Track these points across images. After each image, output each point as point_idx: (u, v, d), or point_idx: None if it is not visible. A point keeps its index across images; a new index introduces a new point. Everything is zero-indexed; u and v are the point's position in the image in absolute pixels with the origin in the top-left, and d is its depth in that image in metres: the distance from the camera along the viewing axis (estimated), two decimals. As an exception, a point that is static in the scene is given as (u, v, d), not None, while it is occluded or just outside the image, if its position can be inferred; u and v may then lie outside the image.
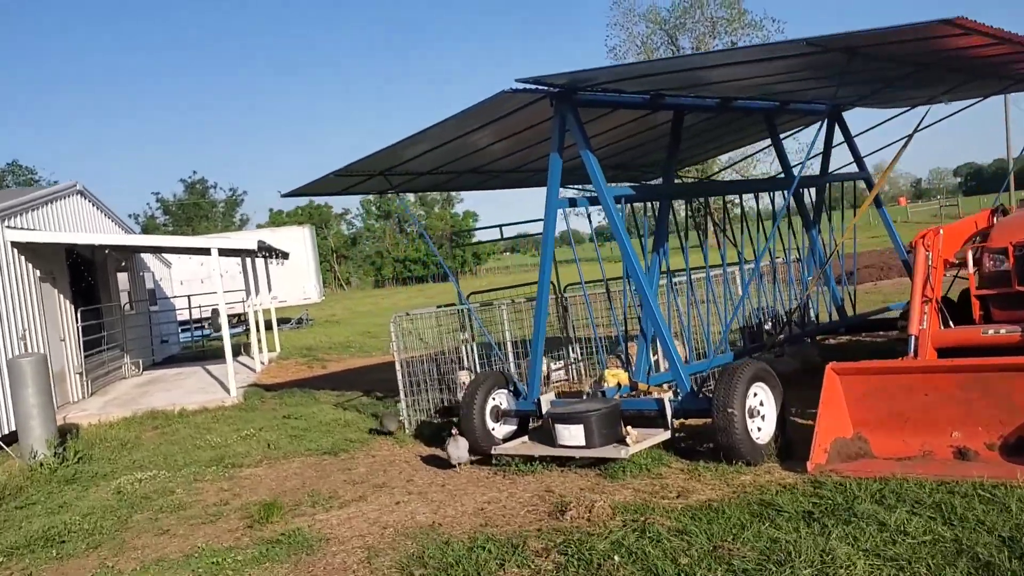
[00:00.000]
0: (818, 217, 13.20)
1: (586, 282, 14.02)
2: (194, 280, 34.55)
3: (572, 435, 8.85)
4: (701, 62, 8.23)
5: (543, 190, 9.84)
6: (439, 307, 13.86)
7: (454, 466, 9.75)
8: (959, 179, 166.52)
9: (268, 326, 27.13)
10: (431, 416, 12.47)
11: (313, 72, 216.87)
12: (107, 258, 22.31)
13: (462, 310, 13.61)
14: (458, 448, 9.57)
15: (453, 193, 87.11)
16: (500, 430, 10.37)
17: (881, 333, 14.73)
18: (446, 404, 12.08)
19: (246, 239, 19.72)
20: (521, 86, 8.76)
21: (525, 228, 14.52)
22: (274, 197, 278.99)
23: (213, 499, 10.12)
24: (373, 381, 19.10)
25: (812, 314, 13.09)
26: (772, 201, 12.87)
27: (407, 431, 12.52)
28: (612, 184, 10.39)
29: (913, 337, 8.51)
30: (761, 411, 8.53)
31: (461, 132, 10.09)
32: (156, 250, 25.91)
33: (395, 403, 13.04)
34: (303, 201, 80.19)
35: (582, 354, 15.83)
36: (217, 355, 27.91)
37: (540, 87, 9.03)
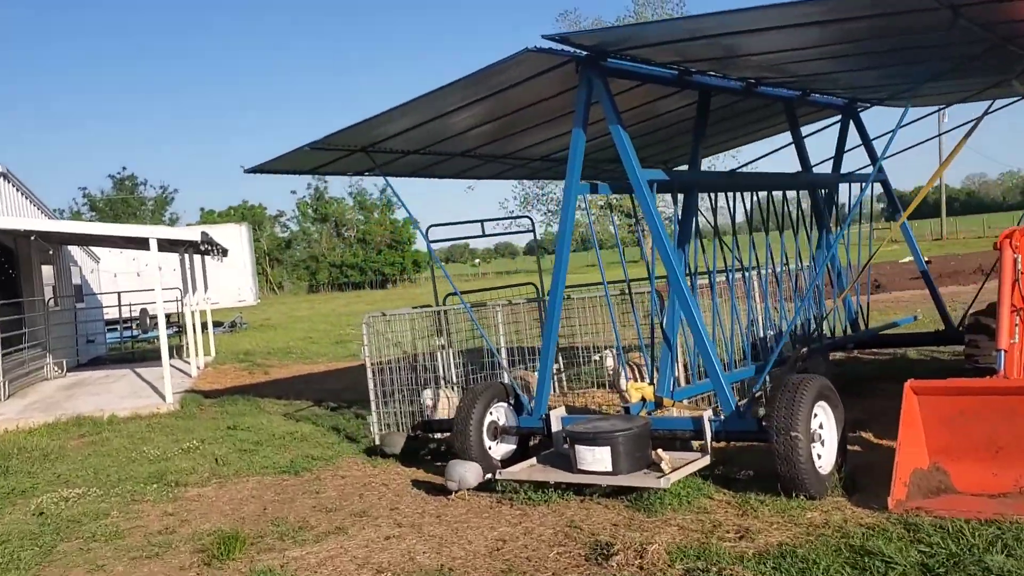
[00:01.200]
0: (829, 220, 12.04)
1: (581, 285, 12.67)
2: (126, 274, 32.37)
3: (597, 459, 7.47)
4: (750, 22, 6.95)
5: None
6: (415, 308, 12.37)
7: (449, 492, 8.28)
8: (881, 205, 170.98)
9: (203, 328, 25.24)
10: (408, 431, 10.96)
11: (252, 65, 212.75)
12: (31, 248, 20.28)
13: (440, 312, 12.14)
14: (467, 471, 8.11)
15: (394, 199, 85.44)
16: (497, 449, 8.94)
17: (890, 350, 13.67)
18: (427, 418, 10.60)
19: (188, 231, 17.94)
20: (548, 45, 7.39)
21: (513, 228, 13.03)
22: (206, 195, 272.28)
23: (156, 525, 8.49)
24: (323, 390, 17.55)
25: (824, 327, 11.92)
26: (798, 201, 11.67)
27: (374, 440, 11.01)
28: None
29: (1002, 352, 7.32)
30: (822, 435, 7.26)
31: (462, 103, 8.68)
32: (87, 240, 23.85)
33: (368, 417, 11.50)
34: (236, 200, 77.81)
35: (565, 366, 14.50)
36: (147, 357, 25.91)
37: (566, 48, 7.67)
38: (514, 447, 9.06)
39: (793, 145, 11.36)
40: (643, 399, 8.35)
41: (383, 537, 7.39)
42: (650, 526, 6.84)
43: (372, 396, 11.18)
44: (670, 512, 7.09)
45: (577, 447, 7.59)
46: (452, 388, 12.09)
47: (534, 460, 8.33)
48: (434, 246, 12.00)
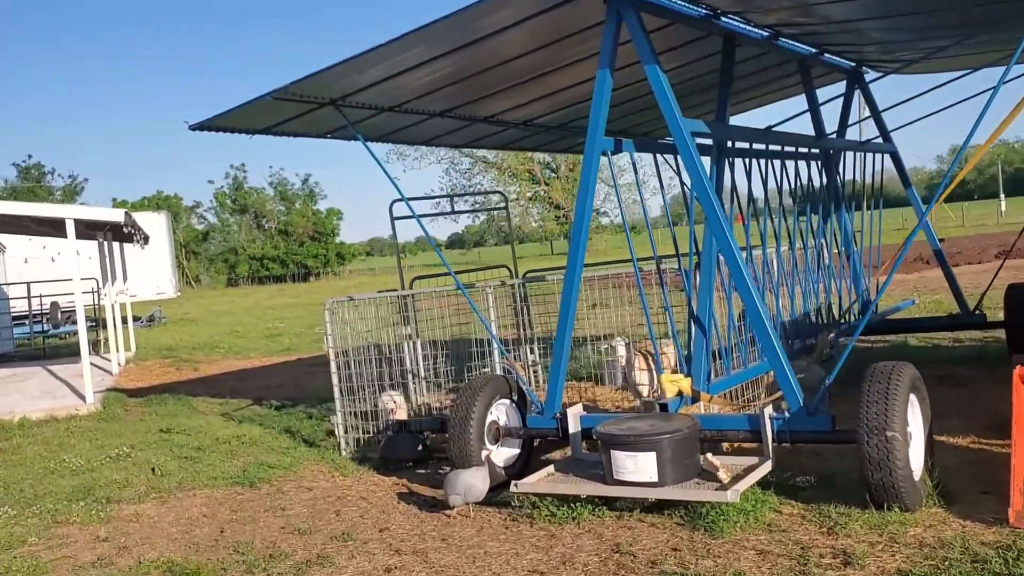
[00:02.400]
0: (842, 194, 10.93)
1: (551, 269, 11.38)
2: (37, 259, 29.95)
3: (639, 467, 6.16)
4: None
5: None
6: (381, 292, 10.87)
7: (449, 508, 6.89)
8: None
9: (122, 321, 23.22)
10: (377, 434, 9.51)
11: (163, 52, 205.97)
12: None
13: (406, 298, 10.68)
14: (474, 482, 6.73)
15: (317, 188, 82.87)
16: (498, 455, 7.56)
17: (890, 337, 12.67)
18: (408, 419, 9.17)
19: (110, 212, 16.09)
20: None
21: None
22: (118, 186, 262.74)
23: (88, 555, 6.91)
24: (261, 387, 15.95)
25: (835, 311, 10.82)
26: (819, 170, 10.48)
27: (345, 452, 9.54)
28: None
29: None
30: (912, 434, 6.06)
31: (440, 51, 7.30)
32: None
33: (332, 418, 9.99)
34: (150, 190, 74.28)
35: (541, 355, 13.17)
36: (60, 354, 23.72)
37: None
38: (517, 451, 7.70)
39: (809, 112, 10.21)
40: (680, 393, 7.06)
41: (382, 569, 5.96)
42: (720, 550, 5.55)
43: (337, 393, 9.70)
44: (738, 531, 5.81)
45: (614, 453, 6.26)
46: (417, 385, 10.72)
47: (551, 468, 6.98)
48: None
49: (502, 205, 12.57)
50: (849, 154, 10.94)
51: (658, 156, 8.25)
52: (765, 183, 8.88)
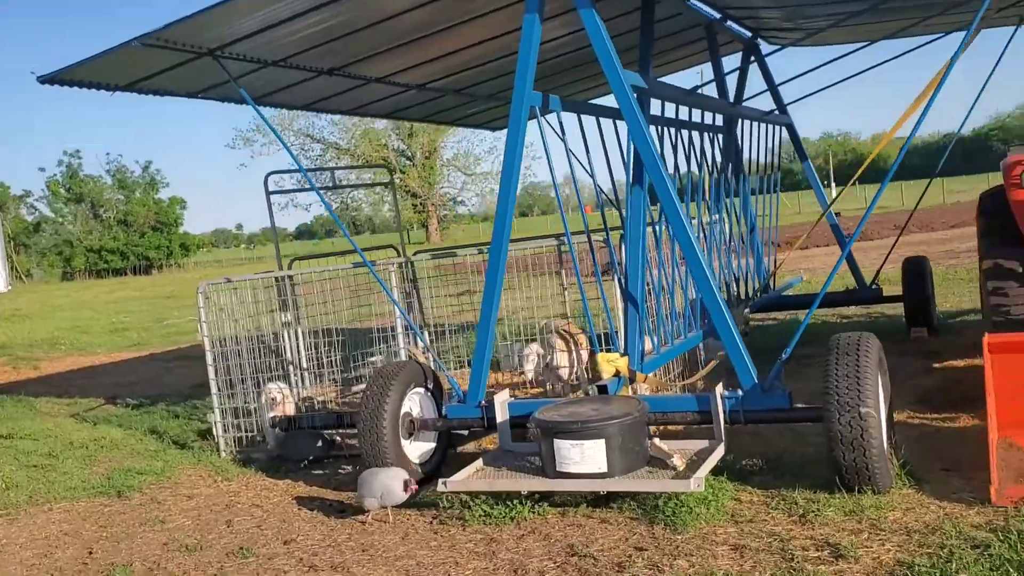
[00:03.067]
0: (738, 166, 10.56)
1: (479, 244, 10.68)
2: None
3: (587, 456, 5.47)
4: None
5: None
6: (259, 274, 9.79)
7: (361, 511, 6.03)
8: None
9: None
10: (259, 433, 8.51)
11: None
12: None
13: (282, 280, 9.67)
14: (392, 483, 5.89)
15: (158, 176, 78.72)
16: (412, 449, 6.74)
17: (781, 314, 12.49)
18: (299, 413, 8.22)
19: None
20: None
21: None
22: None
23: (-79, 592, 5.72)
24: (113, 385, 14.52)
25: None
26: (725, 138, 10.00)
27: (224, 453, 8.49)
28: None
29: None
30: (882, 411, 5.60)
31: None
32: None
33: (208, 416, 8.88)
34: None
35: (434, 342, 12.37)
36: None
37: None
38: (433, 445, 6.90)
39: (715, 81, 9.77)
40: (617, 374, 6.41)
41: (298, 589, 5.07)
42: (689, 547, 4.93)
43: (214, 388, 8.63)
44: (703, 524, 5.21)
45: (558, 443, 5.55)
46: (299, 377, 9.74)
47: (479, 463, 6.20)
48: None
49: (385, 180, 11.54)
50: (748, 126, 10.59)
51: (582, 118, 7.56)
52: (688, 153, 8.35)
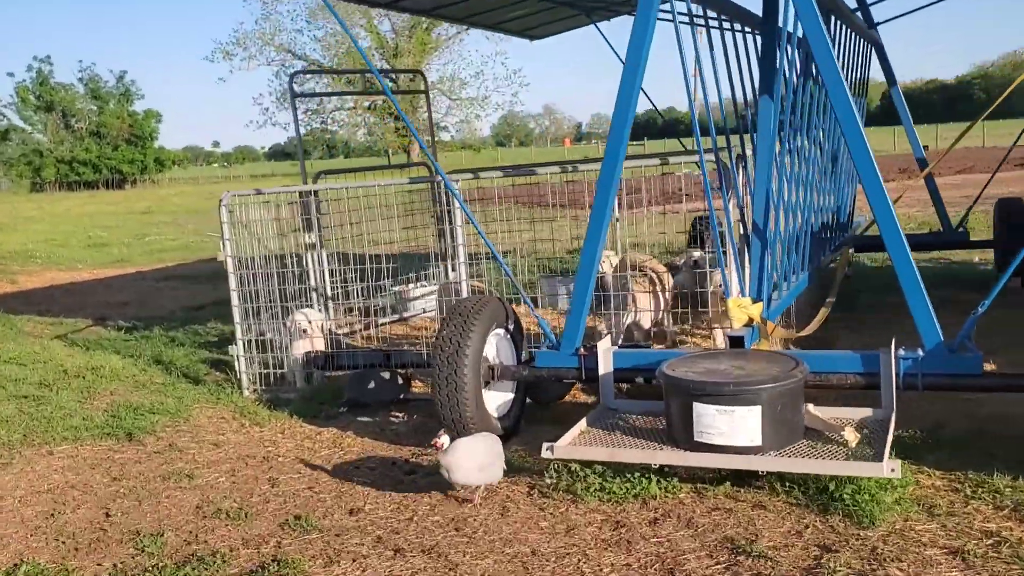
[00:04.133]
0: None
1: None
2: None
3: (737, 426, 4.41)
4: None
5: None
6: (290, 187, 8.54)
7: (435, 474, 4.95)
8: None
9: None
10: (282, 368, 7.40)
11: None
12: None
13: (307, 196, 8.45)
14: (496, 458, 4.81)
15: (133, 88, 75.88)
16: (489, 400, 5.64)
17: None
18: (329, 350, 7.12)
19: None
20: None
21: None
22: None
23: (-101, 560, 4.59)
24: (100, 304, 13.37)
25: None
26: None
27: (247, 392, 7.38)
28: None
29: None
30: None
31: None
32: None
33: (230, 348, 7.71)
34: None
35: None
36: None
37: None
38: (511, 396, 5.81)
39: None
40: (750, 323, 5.32)
41: (390, 583, 4.00)
42: (891, 549, 3.89)
43: (237, 317, 7.47)
44: (895, 517, 4.17)
45: (699, 407, 4.47)
46: (322, 306, 8.60)
47: (583, 424, 5.12)
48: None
49: (421, 89, 10.26)
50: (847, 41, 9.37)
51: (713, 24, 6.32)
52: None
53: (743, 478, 4.65)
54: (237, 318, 7.44)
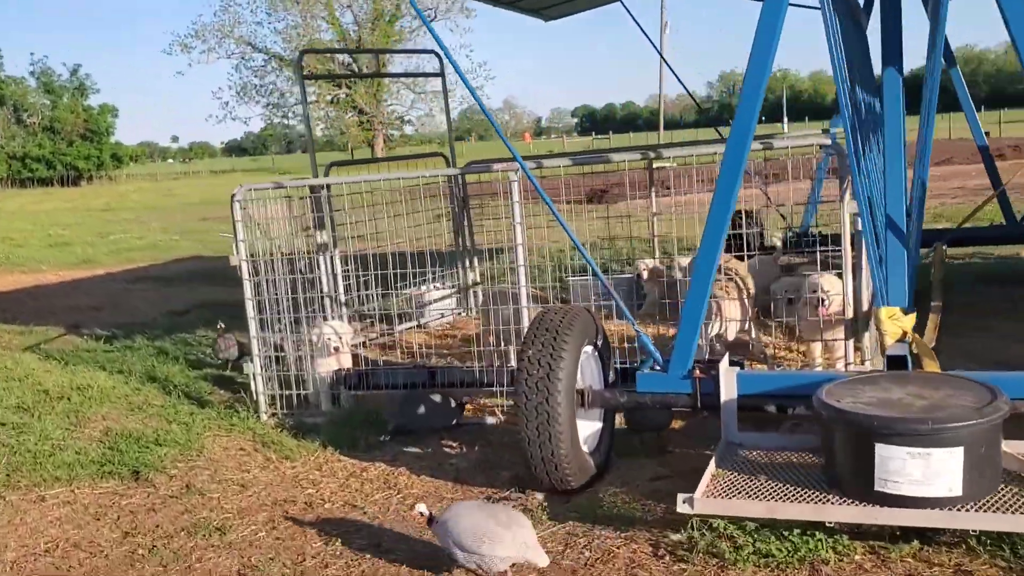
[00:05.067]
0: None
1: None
2: None
3: (933, 472, 3.54)
4: None
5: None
6: (305, 180, 7.50)
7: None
8: (575, 120, 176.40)
9: None
10: (302, 388, 6.41)
11: None
12: None
13: (318, 191, 7.45)
14: (528, 539, 3.83)
15: (88, 82, 73.62)
16: (580, 431, 4.71)
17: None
18: (361, 367, 6.14)
19: None
20: None
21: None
22: None
23: None
24: (70, 309, 12.31)
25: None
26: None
27: (265, 416, 6.38)
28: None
29: None
30: None
31: None
32: None
33: (245, 365, 6.69)
34: None
35: (488, 274, 10.28)
36: None
37: None
38: (599, 426, 4.90)
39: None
40: (903, 337, 4.45)
41: None
42: None
43: (255, 330, 6.45)
44: None
45: (884, 449, 3.58)
46: (337, 316, 7.63)
47: (712, 467, 4.21)
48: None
49: (437, 72, 9.27)
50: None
51: None
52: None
53: (926, 534, 3.76)
54: (253, 331, 6.42)
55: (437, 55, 9.38)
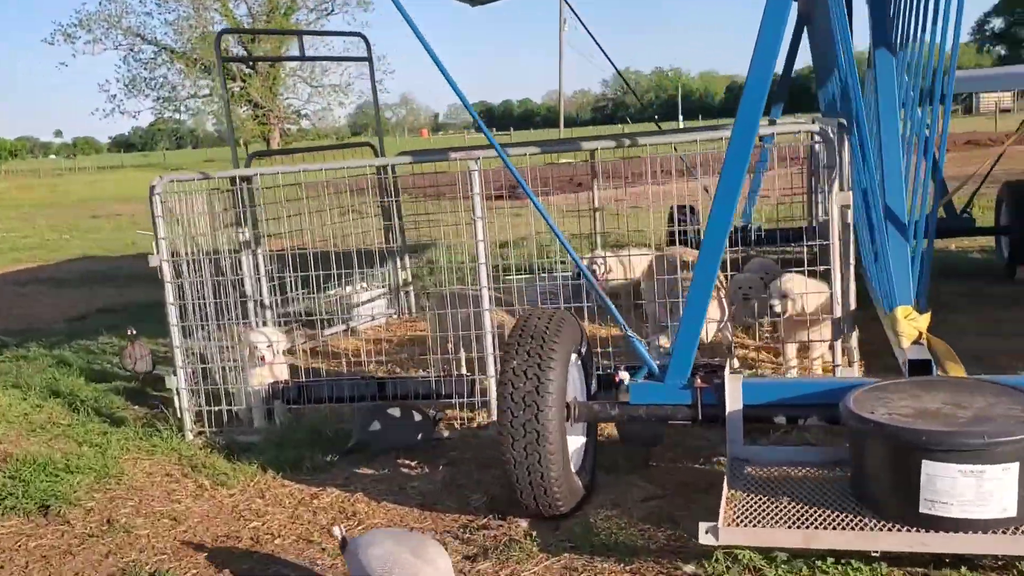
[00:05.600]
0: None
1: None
2: None
3: (986, 492, 3.17)
4: None
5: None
6: (229, 172, 6.77)
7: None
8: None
9: None
10: (228, 404, 5.75)
11: None
12: None
13: (243, 181, 6.77)
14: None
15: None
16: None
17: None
18: (299, 380, 5.52)
19: None
20: None
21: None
22: None
23: None
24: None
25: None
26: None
27: (188, 433, 5.70)
28: None
29: None
30: None
31: None
32: None
33: (167, 374, 5.96)
34: None
35: (423, 273, 9.77)
36: None
37: None
38: (583, 441, 4.42)
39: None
40: (919, 338, 4.10)
41: None
42: None
43: (177, 338, 5.76)
44: None
45: (930, 466, 3.20)
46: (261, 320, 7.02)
47: (727, 490, 3.75)
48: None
49: (363, 56, 8.63)
50: None
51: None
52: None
53: (972, 559, 3.40)
54: (176, 340, 5.73)
55: (363, 38, 8.76)
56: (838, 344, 5.04)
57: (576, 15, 9.14)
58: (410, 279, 8.92)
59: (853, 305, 5.05)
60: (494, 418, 5.36)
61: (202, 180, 6.15)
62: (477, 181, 5.18)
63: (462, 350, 6.30)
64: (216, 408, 5.70)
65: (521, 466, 3.90)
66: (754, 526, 3.38)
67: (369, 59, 8.71)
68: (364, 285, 8.62)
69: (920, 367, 3.88)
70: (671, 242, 8.65)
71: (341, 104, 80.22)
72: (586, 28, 8.99)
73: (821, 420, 3.94)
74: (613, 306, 4.14)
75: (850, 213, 4.97)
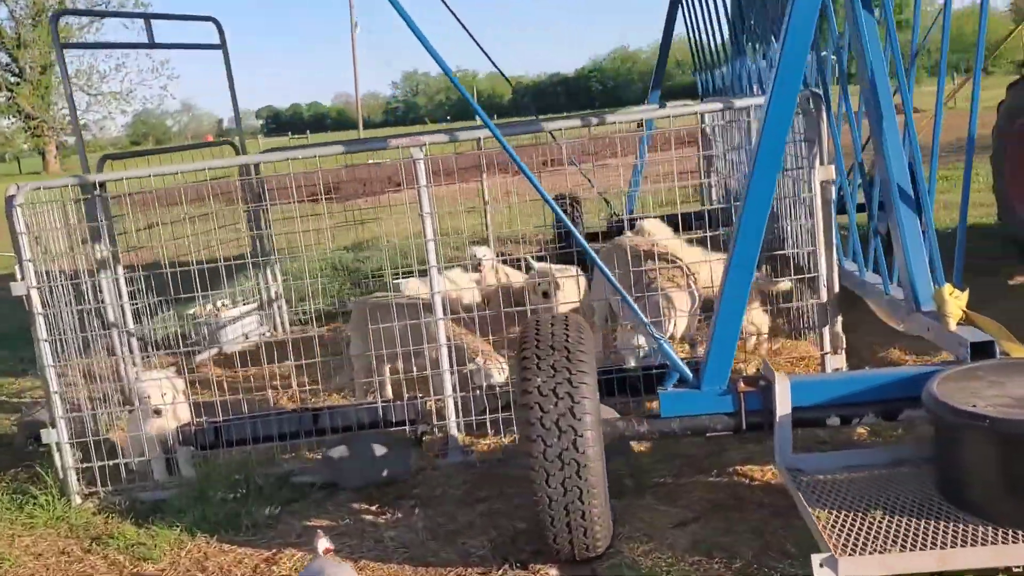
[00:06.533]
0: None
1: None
2: None
3: None
4: None
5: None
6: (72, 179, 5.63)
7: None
8: (260, 121, 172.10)
9: None
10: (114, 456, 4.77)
11: None
12: None
13: (96, 193, 5.72)
14: None
15: None
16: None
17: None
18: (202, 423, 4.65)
19: None
20: None
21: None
22: None
23: None
24: None
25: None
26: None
27: (76, 497, 4.66)
28: None
29: None
30: None
31: None
32: None
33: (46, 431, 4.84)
34: None
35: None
36: None
37: None
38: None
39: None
40: (963, 318, 3.74)
41: None
42: None
43: (54, 382, 4.70)
44: None
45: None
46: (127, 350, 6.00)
47: (810, 509, 3.24)
48: None
49: (215, 44, 7.61)
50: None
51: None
52: None
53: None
54: (54, 385, 4.66)
55: (215, 22, 7.75)
56: (825, 331, 4.69)
57: (452, 11, 8.32)
58: (280, 291, 7.99)
59: (836, 288, 4.70)
60: (450, 446, 4.67)
61: (63, 187, 5.08)
62: (422, 171, 4.46)
63: (387, 370, 5.55)
64: (111, 463, 4.69)
65: (558, 504, 3.26)
66: (871, 552, 2.89)
67: (223, 47, 7.72)
68: (227, 303, 7.69)
69: (983, 349, 3.53)
70: (558, 237, 8.19)
71: (124, 112, 75.44)
72: (456, 18, 8.28)
73: (877, 417, 3.53)
74: (637, 307, 3.56)
75: (833, 189, 4.62)
